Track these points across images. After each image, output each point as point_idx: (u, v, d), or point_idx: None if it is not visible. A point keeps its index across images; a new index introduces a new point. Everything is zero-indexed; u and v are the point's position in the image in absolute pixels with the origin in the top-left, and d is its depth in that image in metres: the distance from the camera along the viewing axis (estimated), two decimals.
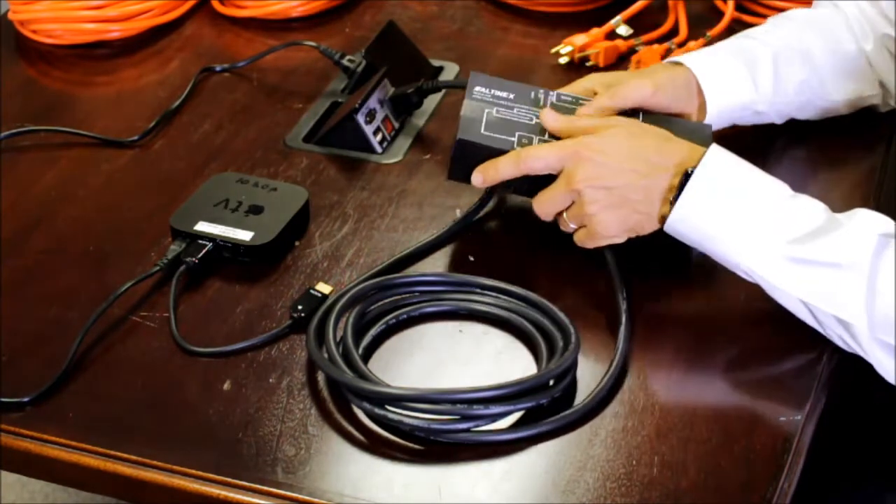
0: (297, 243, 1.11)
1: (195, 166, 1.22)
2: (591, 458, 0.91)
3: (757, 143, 1.21)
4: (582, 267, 1.07)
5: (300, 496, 0.88)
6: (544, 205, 1.04)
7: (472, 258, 1.09)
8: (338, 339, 0.97)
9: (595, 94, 1.12)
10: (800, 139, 1.22)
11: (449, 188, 1.17)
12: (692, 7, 1.43)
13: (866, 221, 0.97)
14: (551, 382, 0.94)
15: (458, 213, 1.14)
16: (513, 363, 0.98)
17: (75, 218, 1.16)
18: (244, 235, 1.08)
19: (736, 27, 1.40)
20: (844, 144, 1.22)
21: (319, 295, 1.03)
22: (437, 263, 1.09)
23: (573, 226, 1.04)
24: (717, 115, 1.15)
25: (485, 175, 1.06)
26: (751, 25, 1.40)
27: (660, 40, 1.39)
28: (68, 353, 0.98)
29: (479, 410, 0.91)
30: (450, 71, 1.36)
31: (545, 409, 0.94)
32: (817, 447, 0.94)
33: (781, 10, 1.39)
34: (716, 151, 1.00)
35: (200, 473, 0.90)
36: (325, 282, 1.06)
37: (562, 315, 0.99)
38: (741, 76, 1.16)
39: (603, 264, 1.05)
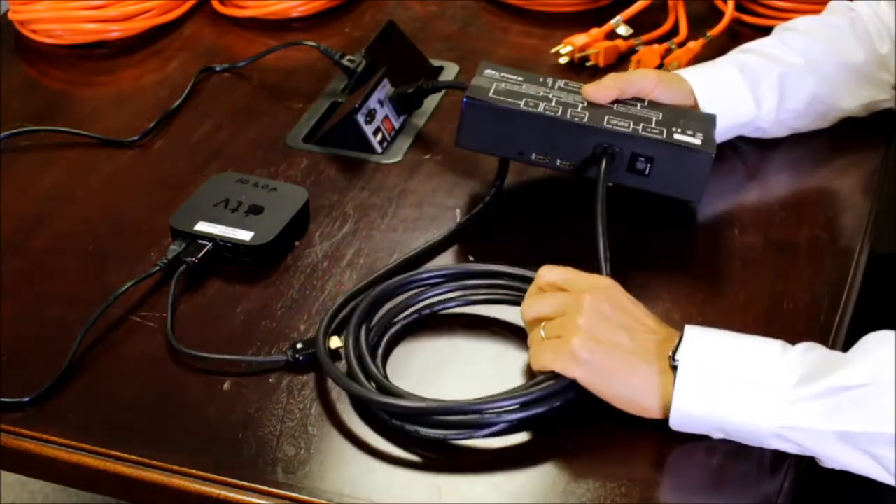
0: (297, 243, 1.11)
1: (195, 166, 1.22)
2: (592, 459, 0.91)
3: (757, 143, 1.21)
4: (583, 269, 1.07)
5: (300, 496, 0.88)
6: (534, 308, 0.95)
7: (471, 258, 1.09)
8: (356, 353, 0.96)
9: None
10: (800, 139, 1.22)
11: (449, 188, 1.17)
12: (692, 7, 1.43)
13: (879, 340, 0.88)
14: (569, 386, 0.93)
15: (458, 214, 1.14)
16: (512, 365, 0.98)
17: (75, 218, 1.16)
18: (244, 235, 1.08)
19: (736, 27, 1.40)
20: (845, 144, 1.22)
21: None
22: (437, 265, 1.09)
23: (542, 333, 0.93)
24: (718, 132, 1.14)
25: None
26: (751, 25, 1.40)
27: (660, 40, 1.39)
28: (68, 353, 0.98)
29: (509, 416, 0.91)
30: (450, 71, 1.36)
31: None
32: None
33: (781, 9, 1.40)
34: (691, 333, 0.90)
35: (200, 473, 0.90)
36: (325, 281, 1.06)
37: None
38: (743, 95, 1.16)
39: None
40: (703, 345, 0.90)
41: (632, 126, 1.09)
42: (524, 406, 0.92)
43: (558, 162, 1.11)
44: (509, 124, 1.10)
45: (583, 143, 1.09)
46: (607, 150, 1.08)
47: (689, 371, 0.88)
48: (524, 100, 1.10)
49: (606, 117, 1.10)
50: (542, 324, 0.93)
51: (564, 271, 0.96)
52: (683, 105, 1.15)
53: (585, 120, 1.09)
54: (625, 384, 0.90)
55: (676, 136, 1.09)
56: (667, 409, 0.89)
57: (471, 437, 0.92)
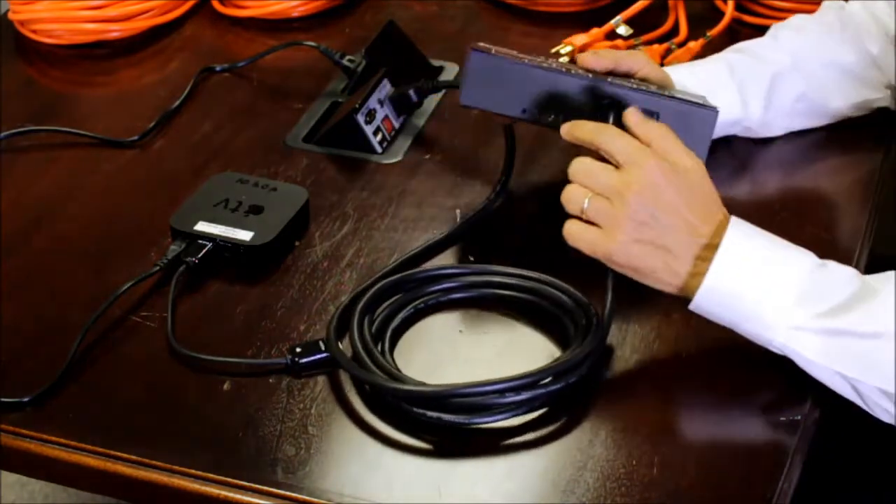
0: (297, 243, 1.11)
1: (195, 166, 1.22)
2: (591, 458, 0.91)
3: (757, 144, 1.21)
4: (582, 271, 1.07)
5: (300, 496, 0.88)
6: (581, 174, 0.96)
7: (471, 258, 1.10)
8: (362, 344, 0.97)
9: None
10: (799, 140, 1.22)
11: (449, 188, 1.17)
12: (692, 7, 1.43)
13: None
14: (582, 361, 0.95)
15: (458, 214, 1.14)
16: (512, 363, 0.98)
17: (75, 218, 1.16)
18: (244, 235, 1.08)
19: (736, 27, 1.40)
20: (844, 145, 1.22)
21: (323, 348, 0.99)
22: (436, 264, 1.09)
23: (586, 206, 0.95)
24: None
25: (570, 129, 1.00)
26: (751, 25, 1.40)
27: (660, 40, 1.39)
28: (68, 353, 0.98)
29: (513, 398, 0.92)
30: (450, 71, 1.35)
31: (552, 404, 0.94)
32: (817, 448, 0.94)
33: (781, 9, 1.40)
34: (737, 225, 0.95)
35: (200, 473, 0.90)
36: (326, 281, 1.06)
37: (580, 295, 1.00)
38: (730, 95, 1.15)
39: (604, 270, 1.05)
40: (746, 237, 0.94)
41: (635, 85, 1.08)
42: (555, 379, 0.93)
43: (562, 119, 1.08)
44: (515, 79, 1.07)
45: (589, 99, 1.07)
46: (615, 103, 1.05)
47: (713, 280, 0.92)
48: (526, 59, 1.08)
49: (609, 78, 1.08)
50: (587, 197, 0.95)
51: (623, 139, 0.97)
52: None
53: (590, 77, 1.08)
54: (656, 281, 0.95)
55: (679, 96, 1.08)
56: (687, 301, 0.95)
57: (496, 420, 0.93)
